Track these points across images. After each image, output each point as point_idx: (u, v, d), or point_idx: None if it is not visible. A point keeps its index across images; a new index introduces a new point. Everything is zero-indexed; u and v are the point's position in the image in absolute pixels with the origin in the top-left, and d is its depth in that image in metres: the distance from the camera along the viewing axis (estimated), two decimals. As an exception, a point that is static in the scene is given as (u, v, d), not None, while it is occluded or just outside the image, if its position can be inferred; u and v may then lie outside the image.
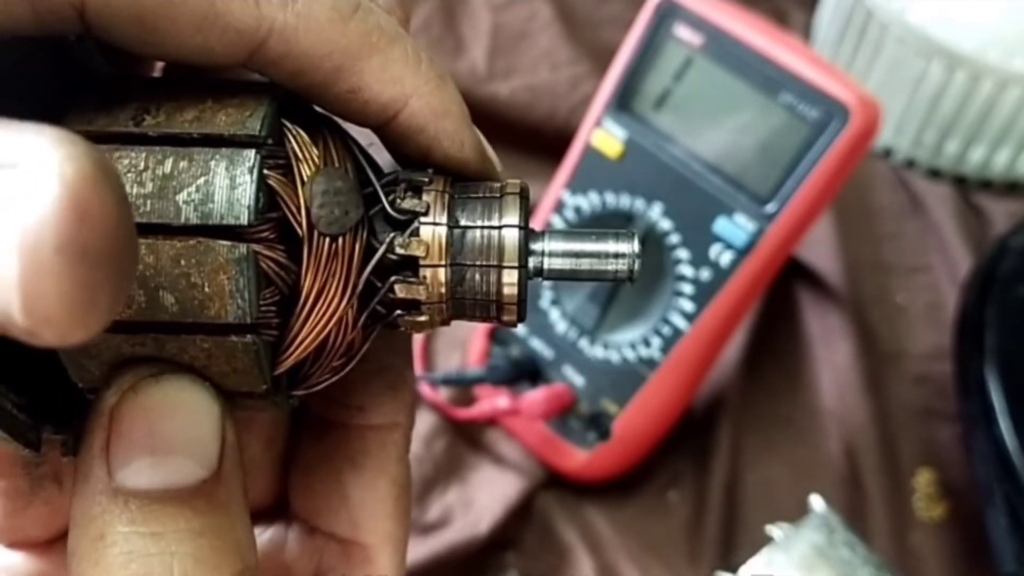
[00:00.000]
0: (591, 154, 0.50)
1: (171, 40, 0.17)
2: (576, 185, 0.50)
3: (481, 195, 0.20)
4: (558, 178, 0.52)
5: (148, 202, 0.17)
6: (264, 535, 0.24)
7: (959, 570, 0.50)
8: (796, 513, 0.48)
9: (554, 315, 0.50)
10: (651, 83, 0.49)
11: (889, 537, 0.50)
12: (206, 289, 0.17)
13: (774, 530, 0.47)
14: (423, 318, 0.19)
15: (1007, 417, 0.45)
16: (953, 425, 0.54)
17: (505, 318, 0.20)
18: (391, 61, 0.18)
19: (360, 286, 0.18)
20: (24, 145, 0.12)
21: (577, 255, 0.19)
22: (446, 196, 0.19)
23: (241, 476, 0.17)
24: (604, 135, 0.50)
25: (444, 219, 0.19)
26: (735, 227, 0.46)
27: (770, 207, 0.46)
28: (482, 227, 0.19)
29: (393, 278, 0.19)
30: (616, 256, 0.19)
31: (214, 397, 0.17)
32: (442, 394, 0.53)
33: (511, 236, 0.19)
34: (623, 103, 0.49)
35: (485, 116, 0.65)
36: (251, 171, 0.17)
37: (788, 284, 0.59)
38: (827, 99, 0.44)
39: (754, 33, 0.47)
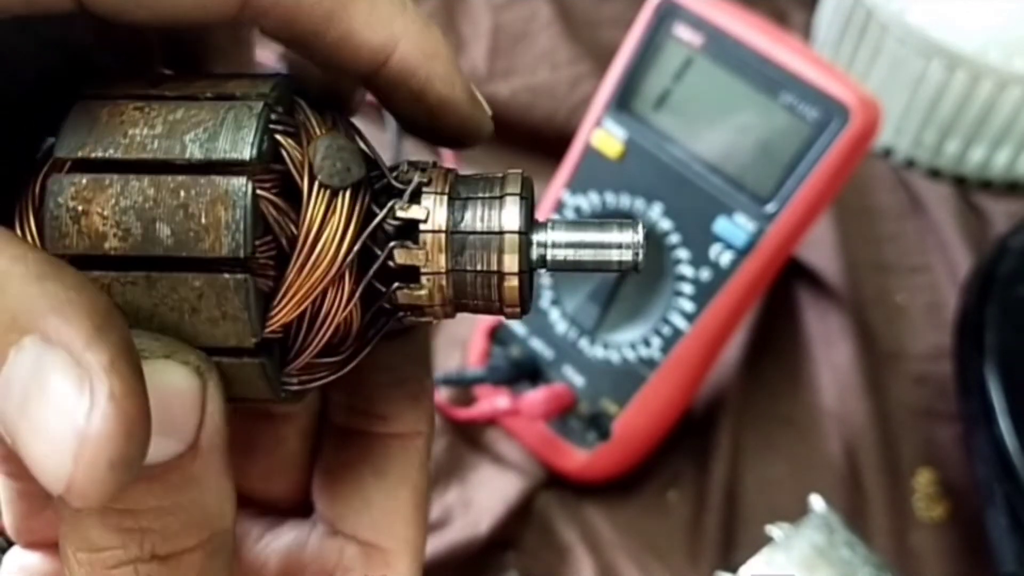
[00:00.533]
0: (591, 154, 0.50)
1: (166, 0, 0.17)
2: (576, 185, 0.50)
3: (483, 177, 0.20)
4: (558, 178, 0.52)
5: (156, 141, 0.17)
6: (290, 534, 0.25)
7: (959, 570, 0.50)
8: (796, 513, 0.48)
9: (554, 315, 0.50)
10: (651, 83, 0.49)
11: (889, 537, 0.50)
12: (203, 220, 0.17)
13: (774, 530, 0.47)
14: (423, 292, 0.19)
15: (1007, 417, 0.45)
16: (953, 425, 0.54)
17: (507, 309, 0.19)
18: (378, 3, 0.18)
19: (357, 245, 0.18)
20: (67, 332, 0.14)
21: (580, 245, 0.19)
22: (449, 176, 0.19)
23: (221, 443, 0.17)
24: (604, 135, 0.50)
25: (447, 190, 0.19)
26: (735, 227, 0.46)
27: (770, 207, 0.46)
28: (484, 197, 0.19)
29: (392, 243, 0.19)
30: (620, 246, 0.19)
31: (194, 372, 0.16)
32: (442, 394, 0.53)
33: (512, 206, 0.19)
34: (623, 103, 0.49)
35: (485, 116, 0.65)
36: (257, 116, 0.17)
37: (788, 284, 0.59)
38: (827, 99, 0.44)
39: (754, 33, 0.47)
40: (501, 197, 0.19)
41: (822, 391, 0.56)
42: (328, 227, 0.18)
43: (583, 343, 0.50)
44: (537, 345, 0.51)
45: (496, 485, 0.50)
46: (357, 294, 0.18)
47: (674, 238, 0.47)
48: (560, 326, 0.50)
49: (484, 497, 0.50)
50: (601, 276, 0.49)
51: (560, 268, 0.19)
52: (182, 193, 0.17)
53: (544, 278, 0.51)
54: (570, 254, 0.19)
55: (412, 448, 0.24)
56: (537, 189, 0.60)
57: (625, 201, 0.49)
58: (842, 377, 0.55)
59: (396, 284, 0.19)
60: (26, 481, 0.21)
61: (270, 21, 0.18)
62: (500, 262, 0.19)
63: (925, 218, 0.64)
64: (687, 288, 0.47)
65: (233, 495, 0.18)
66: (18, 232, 0.18)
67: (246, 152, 0.17)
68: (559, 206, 0.51)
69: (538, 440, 0.51)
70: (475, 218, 0.19)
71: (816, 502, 0.48)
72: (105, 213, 0.17)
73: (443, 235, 0.18)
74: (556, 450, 0.50)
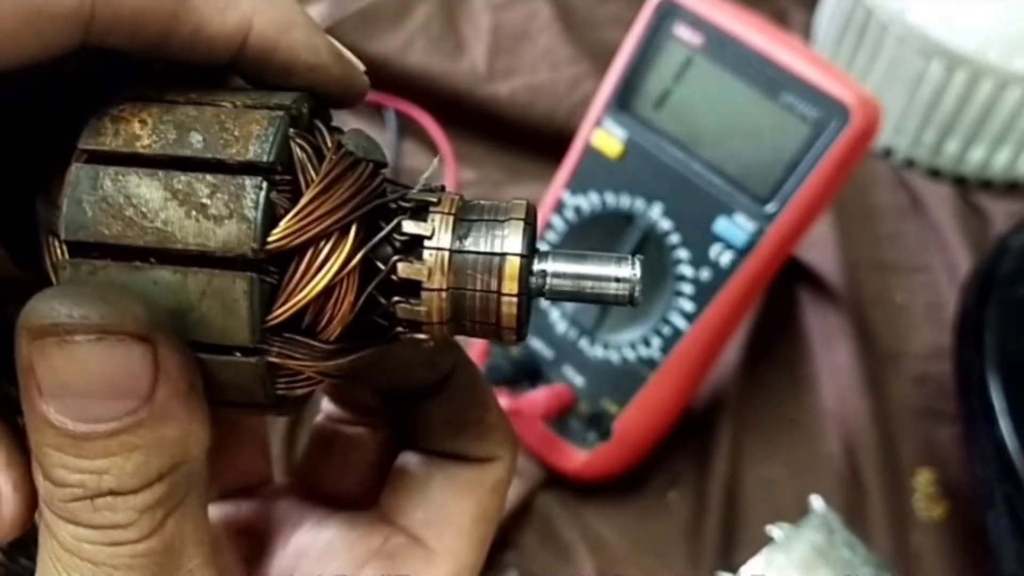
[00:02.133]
0: (591, 154, 0.50)
1: (4, 45, 0.17)
2: (576, 185, 0.50)
3: (489, 203, 0.20)
4: (558, 178, 0.52)
5: (208, 94, 0.19)
6: (342, 517, 0.25)
7: (959, 570, 0.50)
8: (796, 513, 0.48)
9: (554, 315, 0.51)
10: (651, 83, 0.49)
11: (889, 537, 0.50)
12: (235, 132, 0.18)
13: (774, 530, 0.47)
14: (422, 308, 0.19)
15: (1007, 417, 0.45)
16: (953, 425, 0.54)
17: (505, 331, 0.19)
18: None
19: (365, 208, 0.19)
20: None
21: (579, 277, 0.19)
22: (456, 200, 0.20)
23: (182, 388, 0.17)
24: (604, 135, 0.50)
25: (453, 211, 0.19)
26: (735, 227, 0.46)
27: (770, 207, 0.46)
28: (488, 220, 0.19)
29: (396, 257, 0.19)
30: (617, 280, 0.19)
31: (136, 344, 0.16)
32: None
33: (515, 230, 0.19)
34: (623, 103, 0.50)
35: (485, 116, 0.65)
36: (296, 97, 0.19)
37: (788, 284, 0.59)
38: (827, 99, 0.45)
39: (754, 33, 0.47)
40: (505, 221, 0.19)
41: (822, 391, 0.56)
42: (346, 181, 0.18)
43: (583, 343, 0.50)
44: (537, 345, 0.51)
45: (496, 485, 0.50)
46: (357, 259, 0.18)
47: (674, 238, 0.47)
48: (560, 326, 0.50)
49: (484, 497, 0.50)
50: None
51: (558, 297, 0.20)
52: (223, 116, 0.18)
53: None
54: (568, 284, 0.19)
55: (488, 469, 0.24)
56: (537, 189, 0.60)
57: (625, 201, 0.49)
58: (842, 377, 0.55)
59: (396, 298, 0.19)
60: None
61: (117, 37, 0.18)
62: (500, 284, 0.19)
63: (925, 218, 0.64)
64: (687, 288, 0.47)
65: (202, 430, 0.18)
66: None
67: (287, 101, 0.19)
68: (559, 206, 0.51)
69: (538, 440, 0.51)
70: (478, 239, 0.19)
71: (816, 502, 0.48)
72: (146, 120, 0.18)
73: (446, 253, 0.19)
74: (556, 450, 0.50)
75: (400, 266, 0.19)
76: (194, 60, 0.19)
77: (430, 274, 0.19)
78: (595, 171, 0.50)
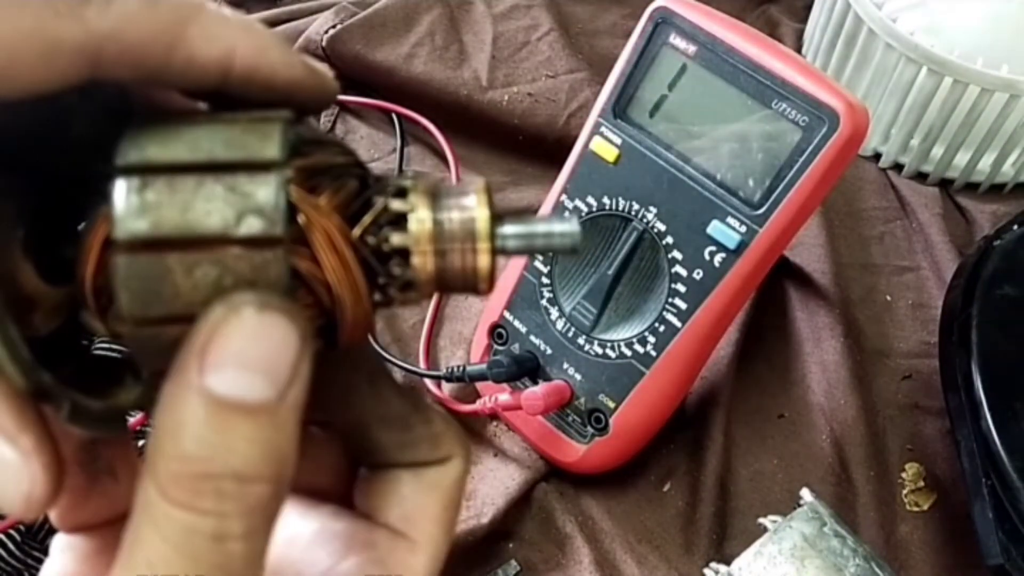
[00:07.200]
0: (588, 159, 0.51)
1: (22, 75, 0.18)
2: (574, 189, 0.52)
3: (454, 193, 0.23)
4: (557, 183, 0.53)
5: (211, 117, 0.21)
6: (326, 511, 0.27)
7: (946, 561, 0.51)
8: (787, 505, 0.49)
9: (553, 314, 0.52)
10: (647, 90, 0.50)
11: (878, 529, 0.51)
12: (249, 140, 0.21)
13: (766, 522, 0.48)
14: (412, 270, 0.22)
15: (992, 412, 0.46)
16: (939, 420, 0.56)
17: (480, 284, 0.22)
18: (207, 23, 0.21)
19: (363, 202, 0.22)
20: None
21: (531, 236, 0.23)
22: (428, 184, 0.23)
23: (301, 406, 0.20)
24: (601, 141, 0.51)
25: (426, 191, 0.22)
26: (728, 229, 0.47)
27: (761, 210, 0.47)
28: (456, 193, 0.23)
29: (387, 228, 0.22)
30: (561, 235, 0.23)
31: (300, 337, 0.19)
32: (445, 390, 0.55)
33: (483, 198, 0.23)
34: (620, 110, 0.51)
35: (487, 122, 0.66)
36: (283, 111, 0.22)
37: (779, 283, 0.60)
38: (817, 105, 0.45)
39: (746, 42, 0.48)
40: (469, 193, 0.23)
41: (812, 387, 0.57)
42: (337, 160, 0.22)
43: (581, 341, 0.51)
44: (537, 343, 0.52)
45: (498, 477, 0.52)
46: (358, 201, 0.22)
47: (669, 240, 0.49)
48: (559, 324, 0.52)
49: (486, 489, 0.51)
50: (597, 278, 0.50)
51: (517, 252, 0.23)
52: (235, 128, 0.21)
53: (543, 278, 0.52)
54: (523, 242, 0.23)
55: (449, 465, 0.26)
56: (537, 193, 0.61)
57: (622, 204, 0.50)
58: (831, 374, 0.57)
59: (391, 263, 0.22)
60: (67, 476, 0.23)
61: (122, 69, 0.20)
62: (475, 242, 0.22)
63: (912, 220, 0.66)
64: (681, 288, 0.49)
65: (295, 460, 0.20)
66: None
67: (285, 113, 0.22)
68: (559, 208, 0.52)
69: (538, 434, 0.52)
70: (451, 209, 0.23)
71: (806, 495, 0.49)
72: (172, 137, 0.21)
73: (428, 223, 0.22)
74: (555, 444, 0.52)
75: (393, 236, 0.22)
76: (186, 85, 0.21)
77: (417, 240, 0.22)
78: (593, 175, 0.51)
